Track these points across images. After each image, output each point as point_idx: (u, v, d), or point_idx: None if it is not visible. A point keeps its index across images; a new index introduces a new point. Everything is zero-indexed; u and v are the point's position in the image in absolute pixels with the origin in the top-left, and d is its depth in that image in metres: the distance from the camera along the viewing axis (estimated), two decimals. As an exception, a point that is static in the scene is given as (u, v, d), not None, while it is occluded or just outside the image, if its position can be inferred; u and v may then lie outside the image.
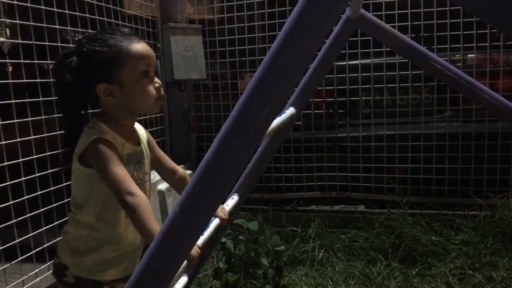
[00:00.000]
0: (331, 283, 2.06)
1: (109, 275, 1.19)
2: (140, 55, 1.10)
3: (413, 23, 2.45)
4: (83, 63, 1.10)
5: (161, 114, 2.74)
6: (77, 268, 1.17)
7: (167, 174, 1.32)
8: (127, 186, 1.01)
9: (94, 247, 1.16)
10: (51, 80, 1.89)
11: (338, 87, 2.64)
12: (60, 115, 1.86)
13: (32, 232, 1.74)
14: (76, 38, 2.36)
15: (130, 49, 1.09)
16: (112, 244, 1.17)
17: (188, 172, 2.64)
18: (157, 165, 1.30)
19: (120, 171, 1.03)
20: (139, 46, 1.11)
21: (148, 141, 1.26)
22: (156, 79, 1.14)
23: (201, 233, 0.95)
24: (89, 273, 1.17)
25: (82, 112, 1.18)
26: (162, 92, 1.16)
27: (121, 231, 1.17)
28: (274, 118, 1.00)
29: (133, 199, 1.00)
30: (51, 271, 1.83)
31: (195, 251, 0.93)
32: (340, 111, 2.72)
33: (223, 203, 1.19)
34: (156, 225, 0.97)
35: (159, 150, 1.31)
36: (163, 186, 2.26)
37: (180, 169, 1.33)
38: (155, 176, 2.41)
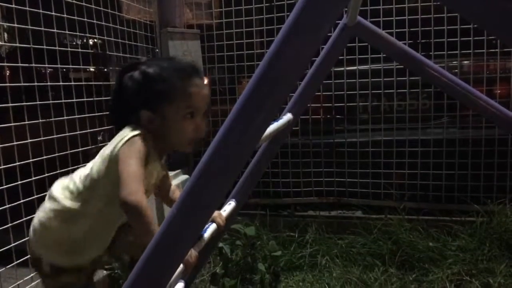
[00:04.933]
0: (328, 289, 2.06)
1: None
2: (192, 97, 1.13)
3: (411, 29, 2.46)
4: (138, 84, 1.14)
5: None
6: (50, 254, 1.18)
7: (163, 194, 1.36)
8: (133, 187, 1.01)
9: (68, 241, 1.18)
10: (48, 84, 1.89)
11: (335, 93, 2.65)
12: (58, 119, 1.87)
13: (28, 236, 1.73)
14: (74, 43, 2.36)
15: (184, 89, 1.12)
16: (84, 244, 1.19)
17: (186, 177, 2.64)
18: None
19: (137, 171, 1.04)
20: (194, 89, 1.13)
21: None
22: (201, 122, 1.16)
23: (197, 238, 0.95)
24: (61, 259, 1.19)
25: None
26: (201, 135, 1.18)
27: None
28: (271, 122, 1.00)
29: (133, 198, 1.00)
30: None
31: (192, 257, 0.94)
32: (337, 116, 2.72)
33: (220, 208, 1.19)
34: (157, 227, 0.97)
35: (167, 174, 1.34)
36: (160, 190, 2.25)
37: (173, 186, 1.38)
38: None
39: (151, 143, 1.13)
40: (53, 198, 1.19)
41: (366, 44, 2.32)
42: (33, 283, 1.76)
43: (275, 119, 1.13)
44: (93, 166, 1.16)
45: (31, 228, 1.23)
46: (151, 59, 1.19)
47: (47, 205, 1.21)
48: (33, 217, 1.74)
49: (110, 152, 1.11)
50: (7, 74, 2.15)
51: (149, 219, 0.99)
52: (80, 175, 1.19)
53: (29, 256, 1.25)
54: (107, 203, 1.14)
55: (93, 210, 1.16)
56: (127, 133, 1.11)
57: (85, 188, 1.16)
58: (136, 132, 1.10)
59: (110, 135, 1.53)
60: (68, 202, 1.17)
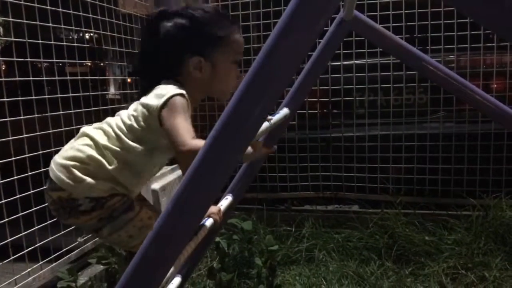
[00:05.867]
0: (324, 283, 2.06)
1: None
2: (238, 43, 1.16)
3: (408, 23, 2.46)
4: (187, 28, 1.12)
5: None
6: (86, 186, 1.11)
7: None
8: (186, 137, 1.02)
9: (105, 176, 1.12)
10: (44, 78, 1.88)
11: (332, 87, 2.65)
12: (54, 113, 1.86)
13: (24, 231, 1.73)
14: (70, 37, 2.35)
15: (234, 36, 1.15)
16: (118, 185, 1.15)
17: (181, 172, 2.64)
18: None
19: (187, 124, 1.04)
20: (239, 37, 1.17)
21: None
22: (237, 71, 1.19)
23: (193, 233, 0.95)
24: (99, 188, 1.13)
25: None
26: (238, 84, 1.19)
27: (136, 185, 1.19)
28: (267, 116, 1.00)
29: (191, 147, 0.99)
30: (44, 270, 1.83)
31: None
32: (334, 111, 2.72)
33: (216, 203, 1.19)
34: None
35: None
36: (157, 185, 2.25)
37: None
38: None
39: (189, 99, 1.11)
40: (87, 137, 1.14)
41: (363, 38, 2.32)
42: (29, 278, 1.77)
43: (272, 113, 1.13)
44: (134, 113, 1.13)
45: (58, 170, 1.13)
46: (185, 7, 1.16)
47: (78, 143, 1.15)
48: (30, 211, 1.75)
49: (152, 104, 1.08)
50: (3, 68, 2.13)
51: None
52: (116, 121, 1.15)
53: (54, 199, 1.15)
54: (146, 152, 1.12)
55: (130, 154, 1.12)
56: (170, 89, 1.09)
57: (125, 135, 1.12)
58: (179, 92, 1.08)
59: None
60: (107, 143, 1.12)
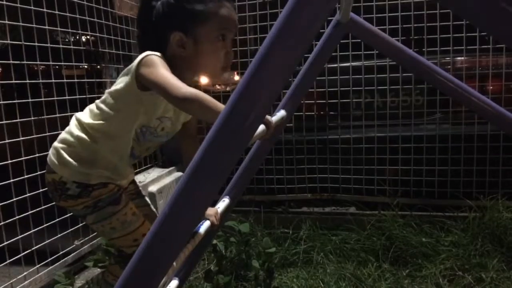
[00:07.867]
0: (322, 285, 2.06)
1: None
2: (224, 18, 1.13)
3: (404, 25, 2.47)
4: (170, 5, 1.11)
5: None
6: (74, 171, 1.18)
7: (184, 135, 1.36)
8: (178, 83, 0.99)
9: (91, 158, 1.19)
10: (40, 81, 1.88)
11: (329, 89, 2.65)
12: (50, 116, 1.86)
13: (20, 235, 1.73)
14: (66, 40, 2.34)
15: (217, 10, 1.11)
16: (106, 165, 1.21)
17: (180, 174, 2.64)
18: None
19: (170, 74, 1.02)
20: (226, 10, 1.13)
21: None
22: (230, 48, 1.16)
23: (190, 235, 0.95)
24: (86, 173, 1.19)
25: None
26: (230, 61, 1.18)
27: (121, 164, 1.22)
28: (263, 119, 1.00)
29: (187, 90, 0.97)
30: (40, 274, 1.82)
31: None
32: (331, 113, 2.72)
33: (214, 205, 1.19)
34: (221, 104, 0.94)
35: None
36: (154, 188, 2.25)
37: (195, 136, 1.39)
38: (145, 178, 2.40)
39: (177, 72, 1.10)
40: (77, 120, 1.22)
41: (359, 40, 2.33)
42: (26, 282, 1.76)
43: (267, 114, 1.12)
44: (115, 85, 1.17)
45: (51, 152, 1.22)
46: None
47: (69, 125, 1.24)
48: (26, 214, 1.75)
49: (129, 68, 1.11)
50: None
51: (208, 101, 0.95)
52: (102, 97, 1.21)
53: (49, 181, 1.23)
54: (124, 117, 1.16)
55: (112, 123, 1.17)
56: (145, 53, 1.09)
57: (105, 104, 1.17)
58: (154, 53, 1.08)
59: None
60: (90, 120, 1.19)
